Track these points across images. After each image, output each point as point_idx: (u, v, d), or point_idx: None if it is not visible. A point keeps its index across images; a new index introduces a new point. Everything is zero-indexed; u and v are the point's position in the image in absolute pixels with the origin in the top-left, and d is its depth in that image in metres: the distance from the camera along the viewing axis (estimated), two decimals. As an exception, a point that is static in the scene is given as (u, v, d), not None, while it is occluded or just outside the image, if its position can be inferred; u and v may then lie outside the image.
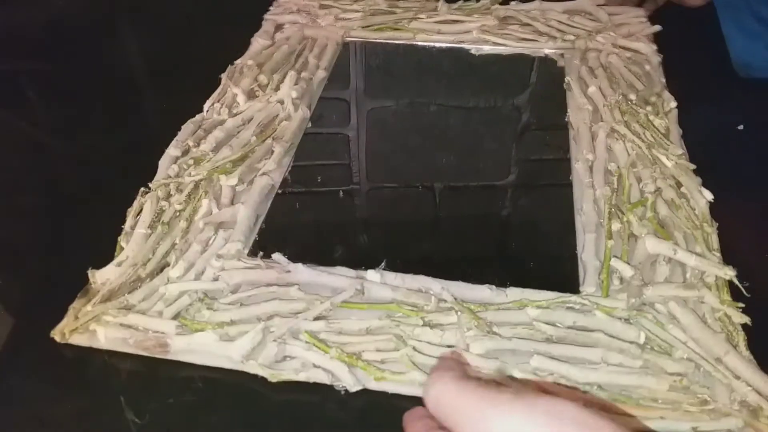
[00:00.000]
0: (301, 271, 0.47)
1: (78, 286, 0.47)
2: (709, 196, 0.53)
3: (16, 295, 0.49)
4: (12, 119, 0.66)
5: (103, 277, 0.47)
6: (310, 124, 0.64)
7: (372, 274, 0.47)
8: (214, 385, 0.42)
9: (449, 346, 0.43)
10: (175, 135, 0.59)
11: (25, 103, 0.69)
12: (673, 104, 0.63)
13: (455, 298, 0.45)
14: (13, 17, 0.78)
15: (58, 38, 0.75)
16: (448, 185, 0.62)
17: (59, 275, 0.49)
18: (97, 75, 0.71)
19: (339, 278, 0.47)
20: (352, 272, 0.47)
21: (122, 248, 0.49)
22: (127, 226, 0.50)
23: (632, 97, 0.63)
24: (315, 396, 0.41)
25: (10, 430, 0.40)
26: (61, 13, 0.79)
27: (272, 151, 0.58)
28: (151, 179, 0.55)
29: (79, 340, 0.43)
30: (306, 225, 0.58)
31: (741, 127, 0.61)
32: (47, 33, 0.76)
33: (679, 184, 0.55)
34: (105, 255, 0.48)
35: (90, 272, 0.46)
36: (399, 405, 0.41)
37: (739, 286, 0.46)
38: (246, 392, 0.41)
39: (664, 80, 0.66)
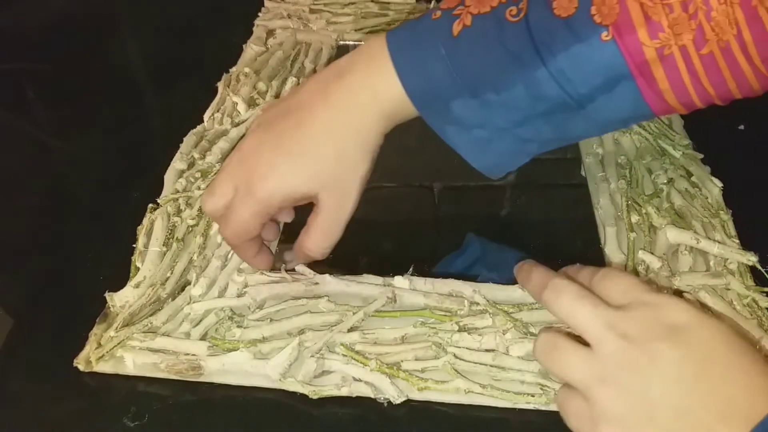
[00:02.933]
0: (329, 282, 0.46)
1: (80, 290, 0.46)
2: (720, 183, 0.54)
3: (16, 299, 0.48)
4: (12, 119, 0.65)
5: (121, 300, 0.45)
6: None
7: (400, 281, 0.46)
8: (252, 405, 0.40)
9: (488, 350, 0.42)
10: (174, 135, 0.58)
11: (25, 103, 0.68)
12: (673, 95, 0.64)
13: (488, 300, 0.45)
14: (13, 17, 0.76)
15: (58, 38, 0.74)
16: (460, 185, 0.61)
17: (59, 278, 0.49)
18: (97, 75, 0.70)
19: (368, 287, 0.46)
20: (380, 279, 0.46)
21: (137, 268, 0.47)
22: (139, 244, 0.48)
23: (634, 89, 0.63)
24: (356, 409, 0.40)
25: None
26: (61, 13, 0.77)
27: (281, 160, 0.56)
28: (150, 178, 0.53)
29: (104, 367, 0.41)
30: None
31: (742, 127, 0.62)
32: (47, 33, 0.75)
33: (689, 174, 0.55)
34: (106, 257, 0.48)
35: (108, 295, 0.44)
36: (442, 413, 0.40)
37: (762, 271, 0.47)
38: (283, 409, 0.40)
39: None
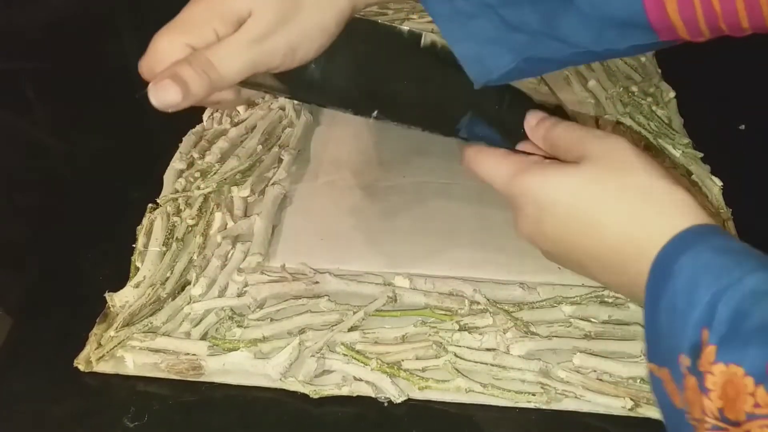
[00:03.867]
0: (329, 281, 0.46)
1: (80, 291, 0.46)
2: (720, 182, 0.54)
3: (16, 299, 0.48)
4: (12, 119, 0.65)
5: (121, 300, 0.44)
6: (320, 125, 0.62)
7: (400, 280, 0.46)
8: (252, 404, 0.40)
9: (489, 350, 0.42)
10: (173, 135, 0.58)
11: (25, 103, 0.67)
12: (672, 94, 0.64)
13: (488, 300, 0.45)
14: (13, 17, 0.76)
15: (58, 38, 0.74)
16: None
17: (59, 278, 0.49)
18: (97, 75, 0.69)
19: (368, 286, 0.46)
20: (380, 279, 0.46)
21: (137, 268, 0.47)
22: (139, 244, 0.48)
23: (633, 89, 0.63)
24: (356, 408, 0.40)
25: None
26: (61, 13, 0.77)
27: (281, 160, 0.56)
28: (150, 178, 0.53)
29: (104, 367, 0.41)
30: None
31: (742, 126, 0.62)
32: (47, 33, 0.74)
33: (689, 173, 0.55)
34: (106, 257, 0.48)
35: (108, 295, 0.44)
36: (442, 412, 0.40)
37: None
38: (284, 408, 0.40)
39: (660, 71, 0.67)
